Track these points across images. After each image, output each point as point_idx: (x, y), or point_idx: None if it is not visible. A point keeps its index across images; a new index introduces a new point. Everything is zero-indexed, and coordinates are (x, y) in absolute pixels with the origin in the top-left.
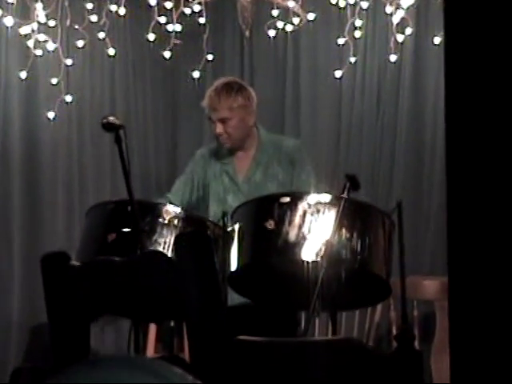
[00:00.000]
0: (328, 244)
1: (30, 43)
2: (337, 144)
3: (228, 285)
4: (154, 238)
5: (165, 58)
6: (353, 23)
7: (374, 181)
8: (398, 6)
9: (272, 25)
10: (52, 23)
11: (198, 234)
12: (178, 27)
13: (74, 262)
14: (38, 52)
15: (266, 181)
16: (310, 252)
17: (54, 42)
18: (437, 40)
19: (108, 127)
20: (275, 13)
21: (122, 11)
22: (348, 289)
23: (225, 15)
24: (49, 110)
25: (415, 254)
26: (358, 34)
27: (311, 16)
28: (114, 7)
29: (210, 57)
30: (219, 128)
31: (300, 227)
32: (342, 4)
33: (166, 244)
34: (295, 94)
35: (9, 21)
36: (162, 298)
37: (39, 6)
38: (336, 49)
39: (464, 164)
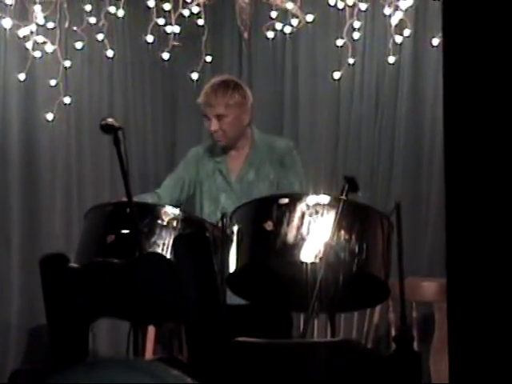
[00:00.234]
0: (327, 246)
1: (29, 45)
2: (335, 145)
3: (227, 286)
4: (153, 239)
5: (163, 60)
6: (351, 25)
7: (372, 182)
8: (397, 8)
9: (270, 26)
10: (50, 25)
11: (197, 235)
12: (176, 29)
13: (73, 264)
14: (37, 54)
15: (258, 180)
16: (308, 253)
17: (53, 44)
18: (435, 41)
19: (106, 129)
20: (274, 14)
21: (121, 13)
22: (347, 290)
23: (223, 17)
24: (47, 112)
25: (414, 256)
26: (356, 35)
27: (310, 17)
28: (112, 9)
29: (208, 58)
30: (214, 125)
31: (299, 229)
32: (340, 5)
33: (164, 245)
34: (294, 96)
35: (7, 22)
36: (161, 300)
37: (38, 7)
38: (334, 50)
39: (462, 166)
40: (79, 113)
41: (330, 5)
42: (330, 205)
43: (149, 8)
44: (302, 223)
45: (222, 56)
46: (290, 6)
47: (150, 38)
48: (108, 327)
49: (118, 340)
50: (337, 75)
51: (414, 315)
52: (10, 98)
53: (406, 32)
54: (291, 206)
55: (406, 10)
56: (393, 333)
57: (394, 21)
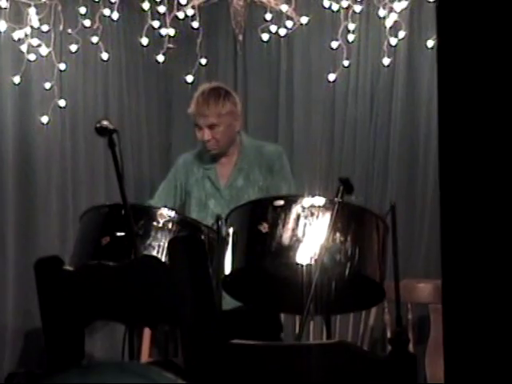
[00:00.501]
0: (322, 247)
1: (23, 48)
2: (330, 147)
3: (222, 289)
4: (148, 241)
5: (158, 62)
6: (346, 27)
7: (367, 184)
8: (391, 10)
9: (265, 28)
10: (45, 28)
11: (192, 237)
12: (171, 31)
13: (68, 267)
14: (32, 57)
15: (247, 186)
16: (304, 255)
17: (48, 47)
18: (430, 43)
19: (101, 131)
20: (268, 16)
21: (116, 15)
22: (342, 292)
23: (218, 19)
24: (42, 115)
25: (409, 257)
26: (351, 37)
27: (304, 19)
28: (107, 11)
29: (203, 61)
30: (207, 134)
31: (294, 230)
32: (335, 7)
33: (160, 247)
34: (288, 98)
35: (2, 25)
36: (156, 303)
37: (32, 10)
38: (329, 52)
39: (457, 167)
40: (74, 115)
41: (324, 7)
42: (325, 207)
43: (143, 10)
44: (297, 225)
45: (217, 58)
46: (284, 8)
47: (144, 41)
48: (103, 330)
49: (114, 343)
50: (331, 77)
51: (410, 317)
52: (4, 101)
53: (401, 34)
54: (286, 208)
55: (401, 11)
56: (388, 334)
57: (389, 23)
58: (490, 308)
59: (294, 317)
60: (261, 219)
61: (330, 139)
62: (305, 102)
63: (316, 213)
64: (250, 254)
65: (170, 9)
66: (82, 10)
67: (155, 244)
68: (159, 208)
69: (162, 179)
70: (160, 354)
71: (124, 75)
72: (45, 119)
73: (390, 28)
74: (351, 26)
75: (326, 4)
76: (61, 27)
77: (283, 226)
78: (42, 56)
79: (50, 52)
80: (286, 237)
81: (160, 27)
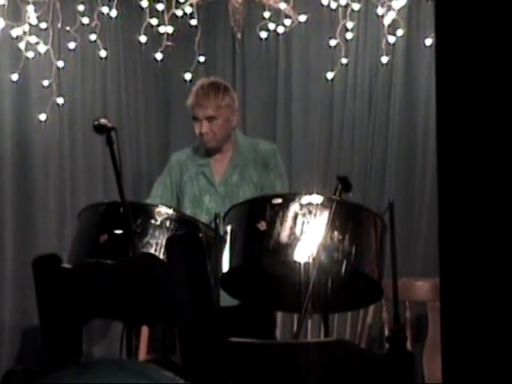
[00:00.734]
0: (320, 246)
1: (22, 45)
2: (328, 145)
3: (220, 287)
4: (146, 239)
5: (156, 60)
6: (344, 25)
7: (365, 182)
8: (390, 8)
9: (264, 26)
10: (43, 25)
11: (190, 236)
12: (169, 29)
13: (66, 265)
14: (30, 54)
15: (242, 183)
16: (301, 253)
17: (46, 44)
18: (428, 41)
19: (99, 129)
20: (267, 14)
21: (114, 13)
22: (340, 290)
23: (216, 17)
24: (40, 112)
25: (407, 256)
26: (349, 35)
27: (303, 18)
28: (105, 9)
29: (201, 59)
30: (205, 127)
31: (292, 228)
32: (333, 6)
33: (158, 245)
34: (287, 96)
35: (0, 23)
36: (154, 301)
37: (30, 8)
38: (328, 50)
39: (455, 165)
40: (72, 113)
41: (322, 5)
42: (323, 205)
43: (142, 8)
44: (295, 223)
45: (215, 56)
46: (282, 6)
47: (143, 39)
48: (101, 328)
49: (112, 340)
50: (330, 75)
51: (408, 315)
52: (2, 99)
53: (399, 32)
54: (284, 206)
55: (399, 10)
56: (386, 333)
57: (387, 21)
58: (488, 306)
59: (292, 315)
60: (259, 217)
61: (328, 137)
62: (303, 99)
63: (314, 211)
64: (247, 252)
65: (168, 6)
66: (81, 7)
67: (153, 242)
68: (157, 206)
69: (154, 185)
70: (158, 351)
71: (122, 73)
72: (43, 117)
73: (389, 26)
74: (349, 25)
75: (325, 2)
76: (59, 25)
77: (281, 224)
78: (40, 53)
79: (48, 49)
80: (284, 235)
81: (158, 25)
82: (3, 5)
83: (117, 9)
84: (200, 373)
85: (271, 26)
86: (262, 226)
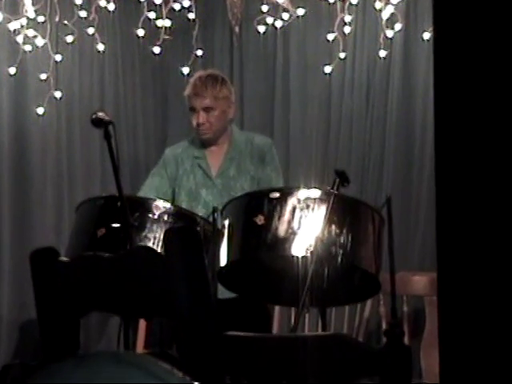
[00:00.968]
0: (317, 240)
1: (19, 39)
2: (326, 139)
3: (218, 280)
4: (144, 233)
5: (154, 54)
6: (342, 19)
7: (363, 176)
8: (388, 2)
9: (261, 20)
10: (41, 19)
11: (187, 229)
12: (167, 23)
13: (63, 258)
14: (27, 47)
15: (239, 175)
16: (299, 247)
17: (43, 38)
18: (426, 35)
19: (97, 123)
20: (265, 8)
21: (112, 7)
22: (337, 284)
23: (214, 11)
24: (38, 106)
25: (405, 250)
26: (347, 29)
27: (301, 11)
28: (103, 2)
29: (199, 52)
30: (202, 117)
31: (290, 223)
32: None
33: (155, 239)
34: (285, 90)
35: None
36: (151, 294)
37: (28, 1)
38: (325, 44)
39: (453, 159)
40: (70, 107)
41: None
42: (320, 199)
43: (139, 2)
44: (293, 217)
45: (213, 50)
46: (280, 0)
47: (140, 32)
48: (99, 321)
49: (109, 334)
50: (328, 69)
51: (405, 309)
52: (0, 92)
53: (397, 26)
54: (282, 200)
55: (397, 4)
56: (384, 327)
57: (385, 15)
58: (486, 300)
59: (290, 309)
60: (256, 211)
61: (325, 131)
62: (301, 93)
63: (312, 205)
64: (245, 246)
65: (166, 0)
66: (78, 1)
67: (151, 236)
68: (155, 200)
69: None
70: (155, 345)
71: (120, 66)
72: (40, 110)
73: (387, 20)
74: (347, 18)
75: None
76: (57, 18)
77: (279, 219)
78: (38, 47)
79: (45, 43)
80: (282, 229)
81: (156, 18)
82: None
83: (114, 2)
84: (197, 366)
85: (269, 19)
86: (260, 220)
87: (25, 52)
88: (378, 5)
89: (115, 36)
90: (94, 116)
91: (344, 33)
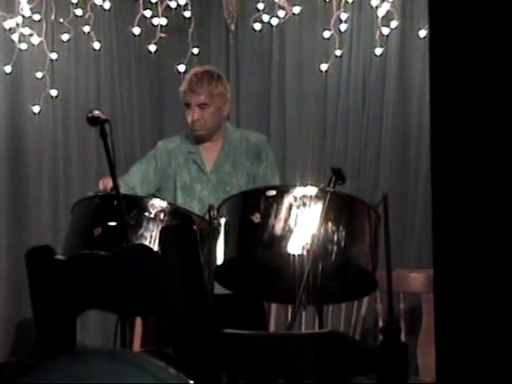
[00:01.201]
0: (314, 237)
1: (15, 37)
2: (322, 137)
3: (214, 278)
4: (140, 232)
5: (150, 52)
6: (338, 16)
7: (359, 174)
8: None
9: (257, 18)
10: (37, 17)
11: (183, 227)
12: (163, 21)
13: (59, 256)
14: (23, 46)
15: (235, 172)
16: (296, 245)
17: (39, 36)
18: (422, 33)
19: (93, 121)
20: (260, 6)
21: (107, 5)
22: (334, 282)
23: (210, 9)
24: (34, 104)
25: (401, 247)
26: (343, 27)
27: (296, 9)
28: (98, 1)
29: (195, 50)
30: (197, 113)
31: (286, 220)
32: None
33: (152, 238)
34: (281, 88)
35: None
36: (148, 292)
37: None
38: (321, 42)
39: (449, 157)
40: (66, 105)
41: None
42: (317, 196)
43: (135, 0)
44: (289, 215)
45: (209, 48)
46: None
47: (136, 30)
48: (95, 319)
49: (106, 332)
50: (324, 67)
51: (402, 306)
52: None
53: (393, 24)
54: (278, 198)
55: (393, 1)
56: (380, 324)
57: (381, 12)
58: (482, 298)
59: (286, 306)
60: (253, 209)
61: (322, 129)
62: (297, 91)
63: (308, 203)
64: (242, 244)
65: None
66: None
67: (147, 234)
68: (151, 198)
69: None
70: (152, 343)
71: (116, 65)
72: (36, 109)
73: (383, 18)
74: (343, 16)
75: None
76: (52, 16)
77: (275, 216)
78: (34, 45)
79: (41, 41)
80: (278, 227)
81: (152, 17)
82: None
83: (110, 1)
84: (193, 364)
85: (265, 17)
86: (257, 218)
87: (20, 50)
88: (373, 2)
89: (111, 34)
90: (89, 114)
91: (340, 30)
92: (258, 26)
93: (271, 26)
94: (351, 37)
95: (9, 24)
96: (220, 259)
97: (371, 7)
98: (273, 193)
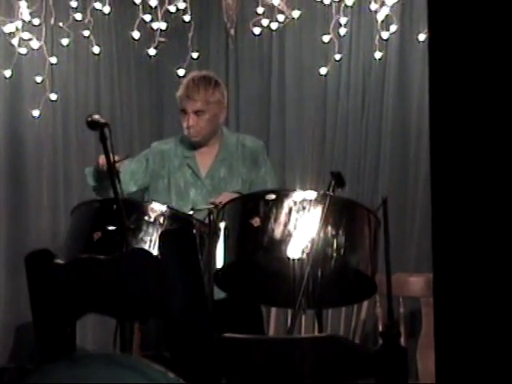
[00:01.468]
0: (313, 241)
1: (15, 41)
2: (322, 141)
3: (214, 283)
4: (140, 236)
5: (150, 56)
6: (337, 20)
7: (359, 178)
8: (383, 3)
9: (257, 22)
10: (36, 21)
11: (182, 231)
12: (162, 25)
13: (59, 260)
14: (23, 50)
15: (231, 177)
16: (295, 249)
17: (39, 40)
18: (421, 37)
19: (93, 125)
20: (260, 10)
21: (107, 9)
22: (333, 286)
23: (210, 13)
24: (34, 109)
25: (401, 251)
26: (342, 31)
27: (296, 13)
28: (98, 5)
29: (194, 54)
30: (192, 120)
31: (285, 224)
32: (326, 1)
33: (151, 242)
34: (280, 92)
35: None
36: (147, 296)
37: (23, 4)
38: (321, 46)
39: (449, 161)
40: (65, 109)
41: (316, 0)
42: (316, 200)
43: (135, 4)
44: (288, 219)
45: (209, 52)
46: (276, 1)
47: (136, 35)
48: (95, 324)
49: (106, 337)
50: (323, 71)
51: (402, 310)
52: None
53: (393, 28)
54: (278, 202)
55: (393, 5)
56: (380, 328)
57: (381, 16)
58: (482, 301)
59: (286, 310)
60: (252, 213)
61: (321, 132)
62: (296, 95)
63: (307, 207)
64: (241, 248)
65: (161, 2)
66: (73, 3)
67: (146, 238)
68: (151, 202)
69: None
70: (151, 348)
71: (115, 69)
72: (36, 113)
73: (382, 22)
74: (343, 20)
75: None
76: (52, 21)
77: (275, 220)
78: (33, 50)
79: (41, 45)
80: (278, 231)
81: (151, 21)
82: None
83: (110, 5)
84: (192, 369)
85: (264, 21)
86: (256, 222)
87: (20, 55)
88: (373, 6)
89: (111, 38)
90: (89, 118)
91: (339, 34)
92: (257, 30)
93: (271, 30)
94: (350, 41)
95: (8, 28)
96: (219, 263)
97: (370, 11)
98: (272, 197)
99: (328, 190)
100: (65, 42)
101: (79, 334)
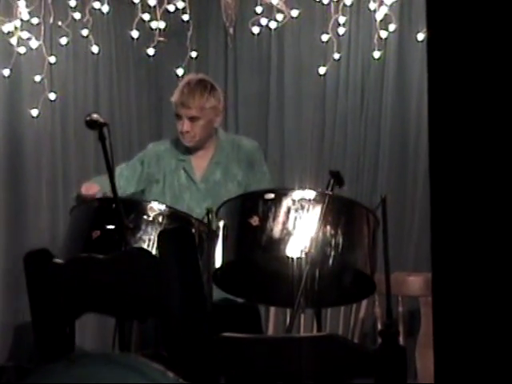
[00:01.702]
0: (312, 240)
1: (13, 41)
2: (321, 140)
3: (213, 282)
4: (139, 235)
5: (148, 56)
6: (336, 20)
7: (358, 177)
8: (382, 3)
9: (256, 22)
10: (35, 20)
11: (181, 230)
12: (161, 24)
13: (57, 260)
14: (21, 49)
15: (226, 180)
16: (294, 248)
17: (38, 40)
18: (420, 36)
19: (91, 125)
20: (259, 9)
21: (106, 8)
22: (332, 285)
23: (209, 12)
24: (32, 108)
25: (400, 250)
26: (341, 30)
27: (295, 13)
28: (97, 4)
29: (193, 54)
30: (187, 126)
31: (284, 224)
32: (325, 0)
33: (150, 241)
34: (279, 91)
35: None
36: (146, 296)
37: (22, 3)
38: (320, 45)
39: (448, 160)
40: (64, 109)
41: (315, 0)
42: (315, 200)
43: (134, 3)
44: (287, 218)
45: (208, 51)
46: (275, 1)
47: (135, 34)
48: (94, 323)
49: (105, 336)
50: (322, 70)
51: (400, 310)
52: None
53: (391, 27)
54: (277, 201)
55: (391, 4)
56: (379, 327)
57: (379, 16)
58: (481, 301)
59: (285, 310)
60: (251, 212)
61: (320, 132)
62: (295, 95)
63: (306, 206)
64: (240, 247)
65: (160, 2)
66: (72, 2)
67: (145, 237)
68: (150, 202)
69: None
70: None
71: (114, 68)
72: (35, 112)
73: (381, 21)
74: (342, 19)
75: None
76: (51, 20)
77: (273, 220)
78: (32, 49)
79: (40, 45)
80: (277, 230)
81: (150, 20)
82: None
83: (109, 4)
84: (191, 368)
85: (263, 21)
86: (255, 221)
87: (19, 54)
88: (371, 6)
89: (109, 38)
90: (88, 118)
91: (338, 34)
92: (256, 30)
93: (270, 29)
94: (349, 40)
95: (7, 28)
96: (218, 262)
97: (369, 11)
98: (271, 196)
99: (327, 189)
100: (63, 41)
101: (78, 334)
